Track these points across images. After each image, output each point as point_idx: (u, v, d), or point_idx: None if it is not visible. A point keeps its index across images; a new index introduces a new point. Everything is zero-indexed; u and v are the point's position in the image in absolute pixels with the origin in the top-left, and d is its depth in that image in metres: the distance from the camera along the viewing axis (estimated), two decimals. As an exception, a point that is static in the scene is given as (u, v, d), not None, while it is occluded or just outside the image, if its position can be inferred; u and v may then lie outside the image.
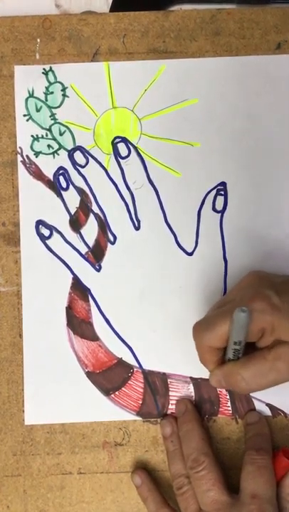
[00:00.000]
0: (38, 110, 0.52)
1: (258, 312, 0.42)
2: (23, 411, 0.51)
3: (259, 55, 0.51)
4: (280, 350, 0.43)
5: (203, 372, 0.51)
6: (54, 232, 0.52)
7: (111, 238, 0.52)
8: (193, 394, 0.51)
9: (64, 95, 0.52)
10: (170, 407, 0.51)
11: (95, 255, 0.52)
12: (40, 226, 0.52)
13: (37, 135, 0.52)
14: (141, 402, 0.51)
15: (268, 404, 0.51)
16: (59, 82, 0.52)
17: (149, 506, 0.49)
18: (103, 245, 0.52)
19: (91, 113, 0.52)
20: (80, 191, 0.52)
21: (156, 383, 0.51)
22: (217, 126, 0.52)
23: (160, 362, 0.51)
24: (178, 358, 0.51)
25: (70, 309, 0.51)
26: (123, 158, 0.52)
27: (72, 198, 0.52)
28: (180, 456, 0.49)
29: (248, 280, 0.46)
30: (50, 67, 0.51)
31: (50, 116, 0.52)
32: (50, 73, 0.51)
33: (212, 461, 0.47)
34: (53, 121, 0.52)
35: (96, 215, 0.52)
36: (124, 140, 0.52)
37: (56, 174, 0.52)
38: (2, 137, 0.52)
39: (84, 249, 0.52)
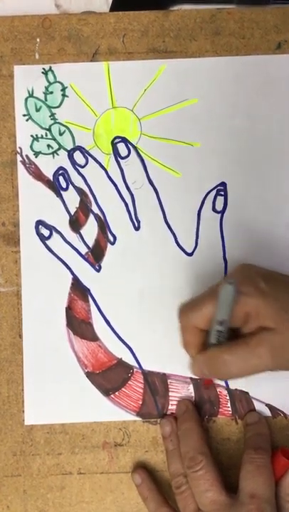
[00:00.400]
0: (37, 110, 0.51)
1: (245, 295, 0.43)
2: (23, 411, 0.51)
3: (259, 54, 0.51)
4: (263, 336, 0.43)
5: (203, 373, 0.51)
6: (54, 233, 0.51)
7: (111, 238, 0.52)
8: (193, 394, 0.51)
9: (64, 95, 0.51)
10: (170, 407, 0.51)
11: (95, 255, 0.52)
12: (40, 226, 0.51)
13: (37, 135, 0.52)
14: (141, 403, 0.51)
15: (267, 405, 0.51)
16: (59, 82, 0.51)
17: (149, 505, 0.50)
18: (103, 245, 0.52)
19: (91, 113, 0.52)
20: (79, 191, 0.52)
21: (156, 383, 0.51)
22: (217, 126, 0.51)
23: (160, 362, 0.51)
24: (178, 359, 0.51)
25: (69, 309, 0.51)
26: (123, 158, 0.52)
27: (72, 198, 0.52)
28: (179, 456, 0.49)
29: (237, 270, 0.46)
30: (50, 67, 0.51)
31: (49, 116, 0.52)
32: (49, 73, 0.51)
33: (209, 461, 0.47)
34: (52, 121, 0.52)
35: (96, 216, 0.52)
36: (124, 140, 0.52)
37: (56, 174, 0.52)
38: (2, 137, 0.52)
39: (84, 250, 0.52)
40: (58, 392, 0.51)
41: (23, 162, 0.51)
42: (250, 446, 0.48)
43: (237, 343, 0.44)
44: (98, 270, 0.52)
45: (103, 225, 0.52)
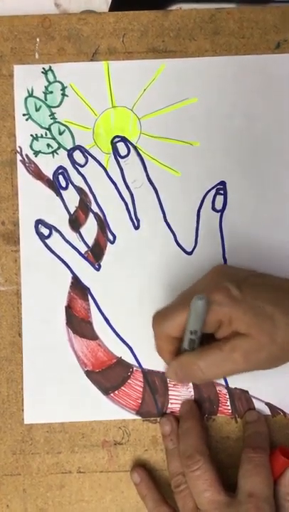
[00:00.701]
0: (37, 109, 0.52)
1: (216, 304, 0.43)
2: (23, 410, 0.51)
3: (258, 54, 0.52)
4: (236, 341, 0.43)
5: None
6: (53, 232, 0.52)
7: (110, 237, 0.52)
8: (192, 393, 0.51)
9: (63, 95, 0.52)
10: (169, 406, 0.51)
11: (95, 254, 0.52)
12: (40, 225, 0.52)
13: (36, 134, 0.52)
14: (140, 401, 0.51)
15: (267, 404, 0.51)
16: (58, 82, 0.52)
17: (147, 504, 0.49)
18: (103, 244, 0.52)
19: (90, 112, 0.52)
20: (79, 190, 0.52)
21: (156, 382, 0.51)
22: (216, 126, 0.52)
23: (159, 361, 0.51)
24: (177, 357, 0.51)
25: (69, 308, 0.51)
26: (122, 157, 0.52)
27: (72, 198, 0.52)
28: (178, 455, 0.49)
29: (211, 274, 0.47)
30: (50, 67, 0.51)
31: (49, 116, 0.52)
32: (49, 73, 0.52)
33: (207, 461, 0.47)
34: (52, 121, 0.52)
35: (95, 215, 0.52)
36: (124, 139, 0.52)
37: (56, 173, 0.52)
38: (1, 136, 0.52)
39: (83, 249, 0.52)
40: (58, 391, 0.51)
41: (23, 161, 0.52)
42: (248, 444, 0.48)
43: (210, 349, 0.44)
44: (98, 269, 0.52)
45: (103, 224, 0.52)
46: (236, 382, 0.51)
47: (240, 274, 0.46)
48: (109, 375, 0.51)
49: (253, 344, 0.43)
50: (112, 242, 0.52)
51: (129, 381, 0.51)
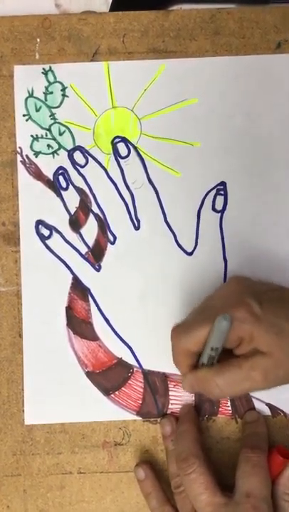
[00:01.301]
0: (37, 110, 0.52)
1: (238, 321, 0.43)
2: (23, 411, 0.51)
3: (259, 54, 0.51)
4: (256, 360, 0.43)
5: (203, 372, 0.51)
6: (54, 232, 0.52)
7: (111, 238, 0.52)
8: (192, 394, 0.51)
9: (64, 95, 0.51)
10: (170, 406, 0.51)
11: (95, 255, 0.52)
12: (40, 226, 0.52)
13: (36, 135, 0.52)
14: (141, 402, 0.51)
15: (267, 404, 0.51)
16: (59, 82, 0.51)
17: (151, 502, 0.49)
18: (103, 245, 0.52)
19: (91, 113, 0.52)
20: (79, 191, 0.52)
21: (156, 383, 0.51)
22: (217, 126, 0.51)
23: (160, 362, 0.51)
24: (178, 358, 0.51)
25: (69, 309, 0.51)
26: (123, 158, 0.52)
27: (72, 198, 0.52)
28: (178, 457, 0.49)
29: (230, 287, 0.46)
30: (50, 67, 0.51)
31: (49, 116, 0.52)
32: (49, 73, 0.51)
33: (202, 464, 0.46)
34: (52, 121, 0.52)
35: (96, 215, 0.52)
36: (124, 140, 0.52)
37: (56, 174, 0.52)
38: (2, 137, 0.52)
39: (84, 249, 0.52)
40: (58, 392, 0.51)
41: (23, 162, 0.52)
42: (246, 444, 0.48)
43: (230, 365, 0.44)
44: (98, 270, 0.52)
45: (103, 225, 0.52)
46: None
47: (259, 288, 0.45)
48: (109, 376, 0.51)
49: (273, 362, 0.43)
50: (113, 243, 0.52)
51: (129, 382, 0.51)
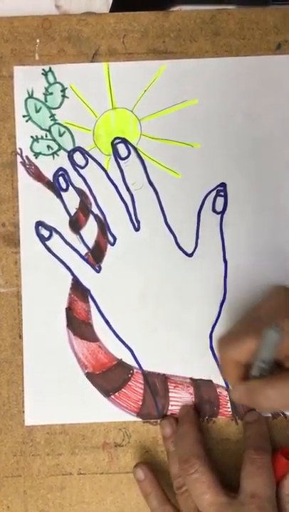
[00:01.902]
0: (37, 111, 0.51)
1: (288, 333, 0.42)
2: (23, 412, 0.51)
3: (259, 55, 0.51)
4: None
5: (203, 373, 0.51)
6: (54, 233, 0.52)
7: (111, 239, 0.52)
8: (193, 395, 0.51)
9: (63, 96, 0.51)
10: (170, 407, 0.51)
11: (95, 256, 0.52)
12: (40, 227, 0.51)
13: (36, 136, 0.52)
14: (141, 403, 0.51)
15: (267, 405, 0.51)
16: (58, 83, 0.51)
17: (151, 502, 0.49)
18: (103, 246, 0.52)
19: (91, 114, 0.52)
20: (79, 192, 0.52)
21: (156, 384, 0.51)
22: (217, 127, 0.51)
23: (160, 363, 0.51)
24: (178, 359, 0.51)
25: (70, 310, 0.51)
26: (123, 159, 0.52)
27: (72, 199, 0.52)
28: (179, 458, 0.49)
29: (275, 297, 0.46)
30: (50, 68, 0.51)
31: (49, 117, 0.52)
32: (49, 74, 0.51)
33: (204, 464, 0.46)
34: (52, 122, 0.52)
35: (96, 216, 0.52)
36: (124, 141, 0.51)
37: (56, 175, 0.52)
38: (2, 138, 0.52)
39: (84, 250, 0.52)
40: (58, 393, 0.51)
41: (23, 163, 0.51)
42: (250, 446, 0.48)
43: (282, 378, 0.43)
44: (98, 271, 0.52)
45: (103, 226, 0.52)
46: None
47: None
48: (109, 377, 0.51)
49: None
50: (113, 244, 0.52)
51: (129, 383, 0.51)
